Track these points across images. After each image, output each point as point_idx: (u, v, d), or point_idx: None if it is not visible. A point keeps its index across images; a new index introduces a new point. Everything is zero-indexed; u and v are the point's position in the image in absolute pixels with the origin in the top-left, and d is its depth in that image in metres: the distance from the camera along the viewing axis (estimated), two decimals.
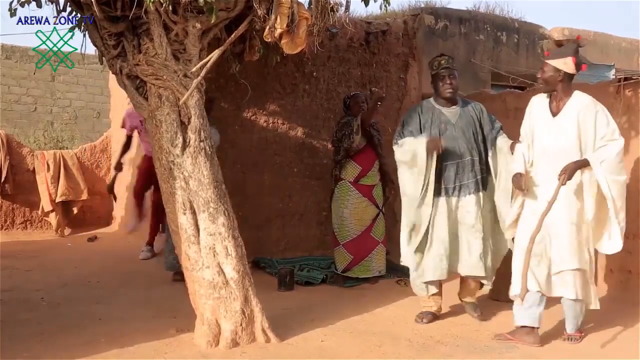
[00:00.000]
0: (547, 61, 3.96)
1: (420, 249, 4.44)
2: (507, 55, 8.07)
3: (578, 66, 3.94)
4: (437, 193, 4.40)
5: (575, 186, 3.88)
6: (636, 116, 5.10)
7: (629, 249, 5.09)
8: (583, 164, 3.84)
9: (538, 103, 4.10)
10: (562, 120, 3.92)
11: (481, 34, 7.91)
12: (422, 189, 4.38)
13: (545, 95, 4.07)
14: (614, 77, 5.67)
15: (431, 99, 4.61)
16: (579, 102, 3.91)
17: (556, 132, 3.92)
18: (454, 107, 4.54)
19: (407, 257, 4.51)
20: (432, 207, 4.38)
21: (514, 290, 3.94)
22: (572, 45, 3.98)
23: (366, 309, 4.74)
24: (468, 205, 4.40)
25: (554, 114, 3.97)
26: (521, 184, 3.96)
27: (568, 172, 3.79)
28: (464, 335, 4.21)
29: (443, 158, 4.38)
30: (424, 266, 4.43)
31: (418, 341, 4.05)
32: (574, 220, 3.88)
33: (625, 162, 5.14)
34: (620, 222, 3.87)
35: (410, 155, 4.39)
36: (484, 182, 4.48)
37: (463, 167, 4.42)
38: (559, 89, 3.95)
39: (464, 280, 4.60)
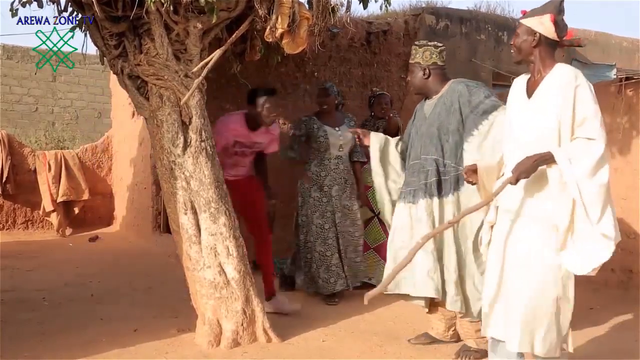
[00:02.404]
0: (520, 21, 3.04)
1: None
2: (508, 55, 7.99)
3: (560, 29, 2.96)
4: (400, 198, 3.86)
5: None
6: (637, 116, 5.11)
7: (630, 248, 5.10)
8: (545, 159, 2.82)
9: (516, 83, 3.16)
10: (538, 101, 2.96)
11: (482, 33, 7.91)
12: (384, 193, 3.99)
13: (526, 73, 3.16)
14: (615, 76, 5.67)
15: None
16: (559, 75, 2.92)
17: (530, 116, 2.98)
18: (434, 97, 3.81)
19: None
20: (392, 213, 3.91)
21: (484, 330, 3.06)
22: (554, 1, 3.03)
23: (367, 309, 4.73)
24: (420, 213, 3.68)
25: (530, 95, 3.01)
26: (469, 177, 3.19)
27: (520, 170, 2.81)
28: None
29: (407, 160, 3.90)
30: None
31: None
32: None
33: (626, 162, 5.18)
34: (603, 230, 2.78)
35: None
36: (439, 186, 3.68)
37: (417, 169, 3.76)
38: (536, 59, 2.99)
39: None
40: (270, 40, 3.87)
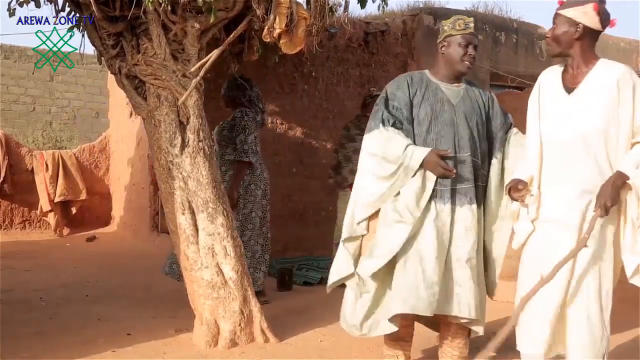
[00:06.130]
0: (559, 12, 2.78)
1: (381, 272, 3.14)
2: (505, 55, 8.08)
3: (604, 20, 2.74)
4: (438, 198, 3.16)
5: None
6: None
7: None
8: (622, 181, 2.61)
9: (547, 77, 2.88)
10: (582, 98, 2.71)
11: (480, 34, 7.91)
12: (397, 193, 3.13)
13: (558, 66, 2.89)
14: None
15: (425, 71, 3.33)
16: (609, 71, 2.69)
17: (570, 113, 2.72)
18: (456, 84, 3.28)
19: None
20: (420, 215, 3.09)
21: (520, 346, 2.88)
22: None
23: None
24: (466, 220, 3.12)
25: (570, 90, 2.75)
26: (517, 194, 2.86)
27: (607, 200, 2.59)
28: None
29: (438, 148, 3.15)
30: (392, 294, 3.12)
31: (417, 341, 4.04)
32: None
33: None
34: None
35: (394, 158, 3.09)
36: (482, 193, 3.24)
37: (461, 166, 3.14)
38: (577, 52, 2.75)
39: (445, 327, 3.38)
40: (268, 40, 3.87)
